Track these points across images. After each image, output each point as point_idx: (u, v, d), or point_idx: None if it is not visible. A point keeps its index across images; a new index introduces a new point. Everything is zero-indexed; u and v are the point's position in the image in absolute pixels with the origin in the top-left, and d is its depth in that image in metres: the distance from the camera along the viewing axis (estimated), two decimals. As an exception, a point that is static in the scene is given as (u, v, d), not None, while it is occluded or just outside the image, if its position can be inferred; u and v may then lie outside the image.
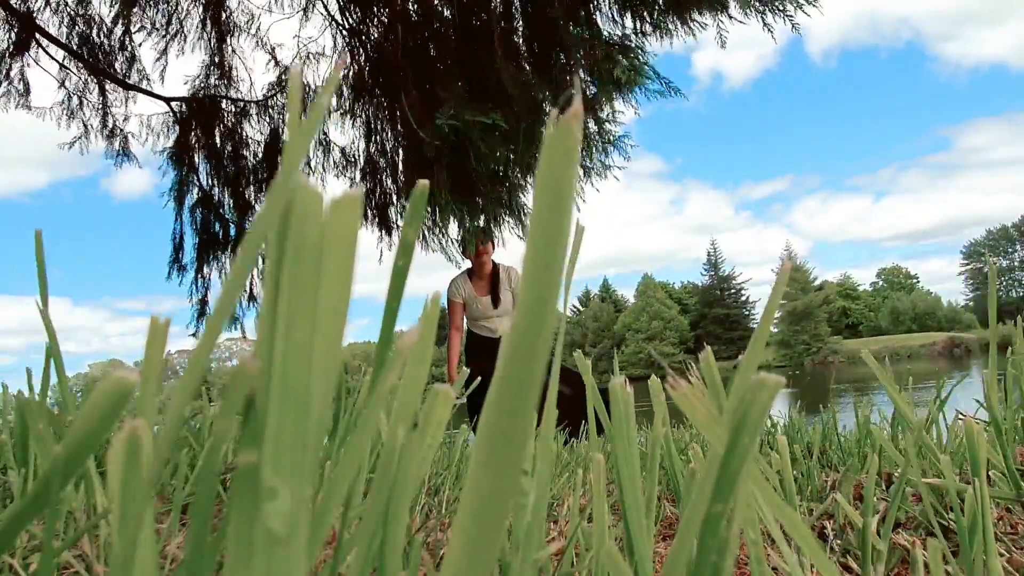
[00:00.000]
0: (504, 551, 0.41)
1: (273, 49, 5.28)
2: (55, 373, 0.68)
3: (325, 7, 4.85)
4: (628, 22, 4.28)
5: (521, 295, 0.16)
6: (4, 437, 0.77)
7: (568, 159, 0.15)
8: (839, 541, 0.70)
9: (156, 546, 0.20)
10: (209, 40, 5.16)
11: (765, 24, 3.75)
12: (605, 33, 4.14)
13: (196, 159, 5.32)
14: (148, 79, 5.28)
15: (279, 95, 5.22)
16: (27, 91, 5.04)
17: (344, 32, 4.84)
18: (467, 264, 4.45)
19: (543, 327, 0.15)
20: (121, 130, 5.46)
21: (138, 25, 5.01)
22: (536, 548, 0.27)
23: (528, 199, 5.13)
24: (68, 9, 4.83)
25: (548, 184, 0.15)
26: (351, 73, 4.57)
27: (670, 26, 4.10)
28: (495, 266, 4.33)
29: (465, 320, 4.39)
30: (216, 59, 5.21)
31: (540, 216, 0.15)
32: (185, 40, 5.14)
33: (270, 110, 5.27)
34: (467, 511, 0.15)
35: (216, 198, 5.36)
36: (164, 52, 5.16)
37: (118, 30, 5.02)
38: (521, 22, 4.22)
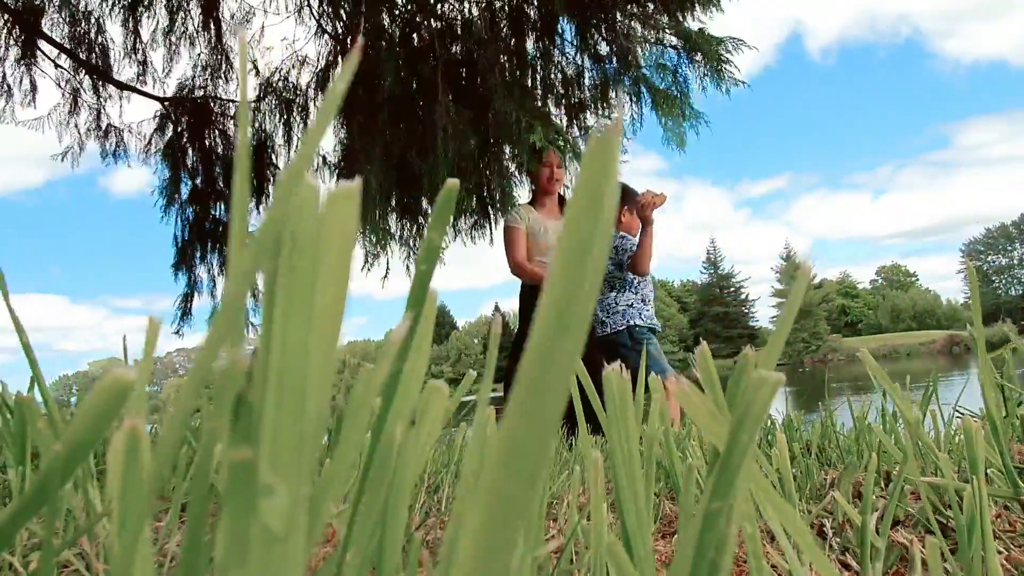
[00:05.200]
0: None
1: (266, 51, 5.29)
2: (57, 373, 0.68)
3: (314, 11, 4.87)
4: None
5: (545, 302, 0.15)
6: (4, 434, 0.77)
7: (607, 171, 0.15)
8: (838, 539, 0.70)
9: (154, 545, 0.20)
10: (209, 40, 5.16)
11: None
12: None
13: (189, 159, 5.32)
14: (142, 78, 5.28)
15: (271, 96, 5.22)
16: (34, 89, 5.04)
17: (329, 36, 4.86)
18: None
19: (573, 333, 0.15)
20: (115, 129, 5.45)
21: (134, 24, 5.00)
22: (535, 546, 0.27)
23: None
24: (68, 8, 4.82)
25: (585, 197, 0.15)
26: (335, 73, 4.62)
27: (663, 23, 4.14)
28: (561, 198, 3.52)
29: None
30: (210, 60, 5.22)
31: (574, 227, 0.15)
32: (181, 40, 5.13)
33: (259, 111, 5.28)
34: (483, 515, 0.15)
35: (208, 197, 5.36)
36: (160, 51, 5.16)
37: (114, 29, 5.02)
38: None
